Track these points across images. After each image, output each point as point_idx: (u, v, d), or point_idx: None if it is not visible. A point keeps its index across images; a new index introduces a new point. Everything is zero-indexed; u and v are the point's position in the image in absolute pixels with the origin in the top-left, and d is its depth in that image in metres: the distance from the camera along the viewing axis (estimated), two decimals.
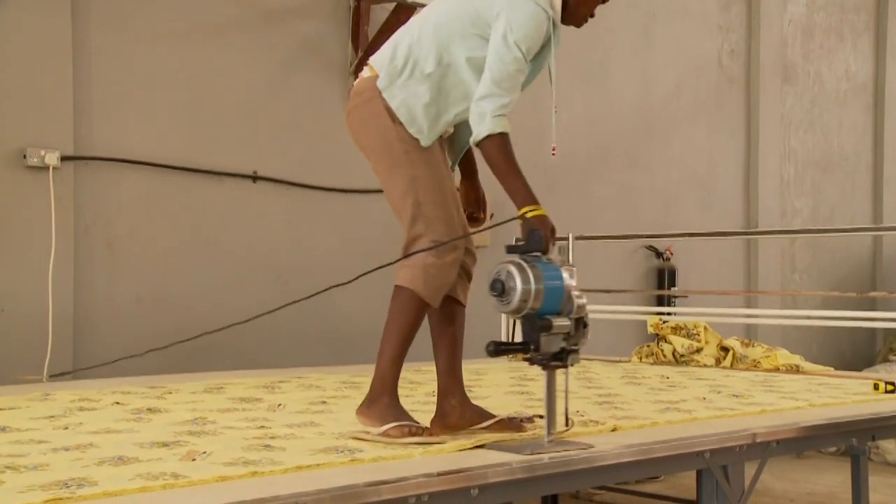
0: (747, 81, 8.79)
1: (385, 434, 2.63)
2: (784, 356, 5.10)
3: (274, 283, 5.59)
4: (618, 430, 2.95)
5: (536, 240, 2.56)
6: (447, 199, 2.79)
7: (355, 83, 2.91)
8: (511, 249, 2.59)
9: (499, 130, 2.67)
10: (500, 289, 2.51)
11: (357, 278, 3.17)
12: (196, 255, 5.31)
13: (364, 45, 5.86)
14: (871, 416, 3.50)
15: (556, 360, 2.55)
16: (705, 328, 5.38)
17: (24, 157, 4.65)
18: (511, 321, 5.52)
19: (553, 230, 2.65)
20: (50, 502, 1.90)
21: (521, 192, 2.69)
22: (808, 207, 9.44)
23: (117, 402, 3.41)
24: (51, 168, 4.69)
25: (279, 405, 3.38)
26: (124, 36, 5.06)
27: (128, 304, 5.03)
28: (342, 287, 6.08)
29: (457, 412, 2.79)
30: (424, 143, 2.78)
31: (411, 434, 2.63)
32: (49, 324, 4.61)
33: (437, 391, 2.85)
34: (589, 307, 2.62)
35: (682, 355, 5.28)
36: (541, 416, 3.06)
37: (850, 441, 3.57)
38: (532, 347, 2.53)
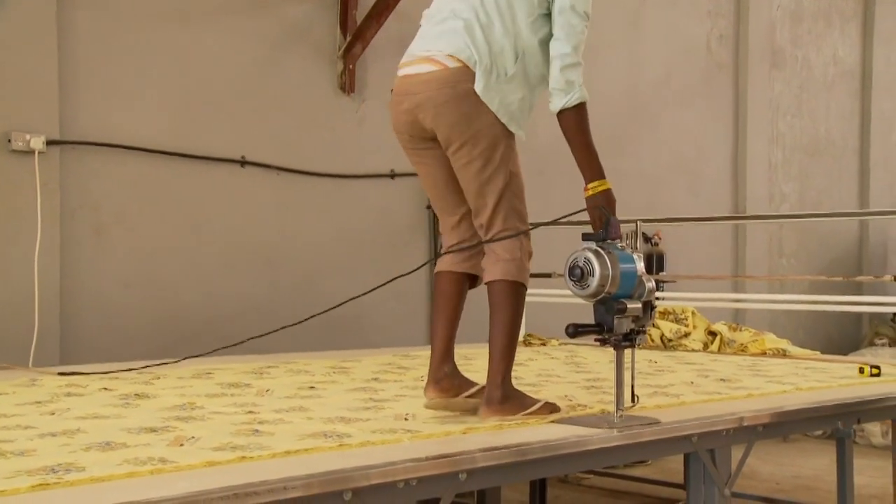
0: (736, 66, 8.80)
1: (531, 414, 2.77)
2: (771, 340, 5.12)
3: (263, 269, 5.59)
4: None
5: (613, 227, 2.69)
6: (524, 193, 2.91)
7: (435, 71, 2.77)
8: (587, 237, 2.70)
9: (586, 99, 2.80)
10: (579, 274, 2.64)
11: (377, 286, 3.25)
12: (184, 241, 5.29)
13: (352, 30, 5.84)
14: (857, 399, 3.52)
15: (627, 340, 2.70)
16: (693, 313, 5.40)
17: (9, 141, 4.61)
18: None
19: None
20: (37, 488, 1.90)
21: (594, 166, 2.79)
22: (795, 192, 9.47)
23: (105, 388, 3.40)
24: (36, 152, 4.66)
25: (267, 390, 3.37)
26: (110, 18, 5.02)
27: (115, 289, 5.02)
28: (331, 272, 6.11)
29: (448, 380, 2.87)
30: (525, 135, 2.86)
31: (554, 412, 2.82)
32: (35, 310, 4.59)
33: (446, 365, 2.90)
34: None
35: (670, 340, 5.30)
36: None
37: (836, 424, 3.59)
38: (606, 329, 2.67)
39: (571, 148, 2.81)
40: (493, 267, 2.82)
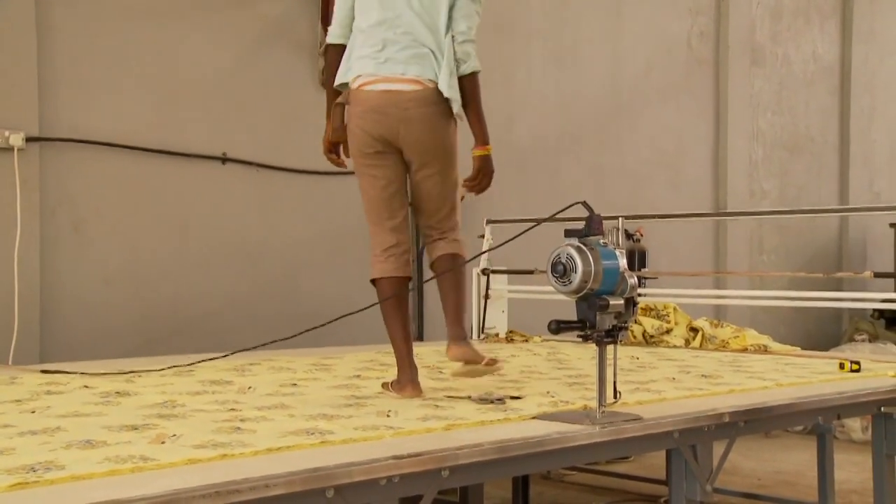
0: (716, 63, 8.83)
1: (489, 363, 3.26)
2: (752, 336, 5.14)
3: (244, 265, 5.57)
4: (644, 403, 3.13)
5: (596, 223, 2.70)
6: None
7: (420, 90, 3.21)
8: (570, 233, 2.73)
9: (479, 69, 3.29)
10: (561, 271, 2.65)
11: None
12: (164, 237, 5.27)
13: None
14: (837, 395, 3.54)
15: (609, 336, 2.71)
16: (675, 309, 5.41)
17: None
18: (482, 305, 5.56)
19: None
20: (16, 487, 1.88)
21: (485, 129, 3.32)
22: (775, 189, 9.52)
23: (85, 386, 3.38)
24: (15, 149, 4.63)
25: (249, 388, 3.36)
26: (90, 14, 4.98)
27: (95, 287, 4.99)
28: (311, 269, 6.09)
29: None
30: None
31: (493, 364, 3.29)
32: (15, 307, 4.56)
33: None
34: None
35: (651, 336, 5.31)
36: (512, 398, 3.09)
37: (816, 420, 3.61)
38: (588, 325, 2.70)
39: (469, 108, 3.28)
40: (454, 244, 3.39)
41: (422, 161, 3.29)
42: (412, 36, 3.23)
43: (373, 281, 3.32)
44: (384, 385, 3.27)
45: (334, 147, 3.45)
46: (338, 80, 3.34)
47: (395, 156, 3.29)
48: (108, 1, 5.06)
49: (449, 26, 3.24)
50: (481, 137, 3.31)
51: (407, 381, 3.19)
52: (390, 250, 3.31)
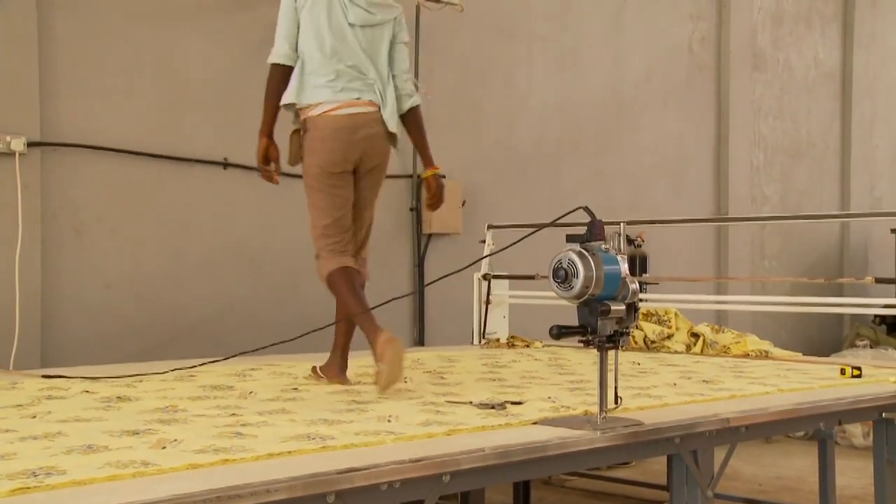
0: (717, 68, 8.84)
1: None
2: (753, 342, 5.14)
3: (245, 270, 5.57)
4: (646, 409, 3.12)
5: (597, 229, 2.71)
6: None
7: (374, 112, 3.62)
8: (572, 238, 2.73)
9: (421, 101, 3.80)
10: (563, 276, 2.66)
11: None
12: (165, 242, 5.27)
13: None
14: (838, 400, 3.54)
15: (610, 342, 2.72)
16: (676, 314, 5.41)
17: None
18: (483, 311, 5.56)
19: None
20: (17, 492, 1.88)
21: (430, 153, 3.77)
22: (777, 194, 9.52)
23: (87, 391, 3.38)
24: (17, 154, 4.63)
25: (250, 392, 3.36)
26: (91, 18, 4.99)
27: (96, 291, 4.99)
28: (313, 274, 6.08)
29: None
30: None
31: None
32: (16, 312, 4.56)
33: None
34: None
35: (653, 342, 5.31)
36: (513, 403, 3.08)
37: (818, 425, 3.61)
38: (589, 330, 2.70)
39: (419, 136, 3.76)
40: (365, 266, 3.78)
41: (371, 175, 3.69)
42: (358, 69, 3.63)
43: (329, 274, 3.58)
44: (314, 370, 3.68)
45: (267, 162, 3.72)
46: (286, 99, 3.62)
47: (351, 176, 3.65)
48: (110, 6, 5.07)
49: (390, 65, 3.69)
50: (431, 159, 3.77)
51: (384, 339, 3.33)
52: (346, 248, 3.63)
